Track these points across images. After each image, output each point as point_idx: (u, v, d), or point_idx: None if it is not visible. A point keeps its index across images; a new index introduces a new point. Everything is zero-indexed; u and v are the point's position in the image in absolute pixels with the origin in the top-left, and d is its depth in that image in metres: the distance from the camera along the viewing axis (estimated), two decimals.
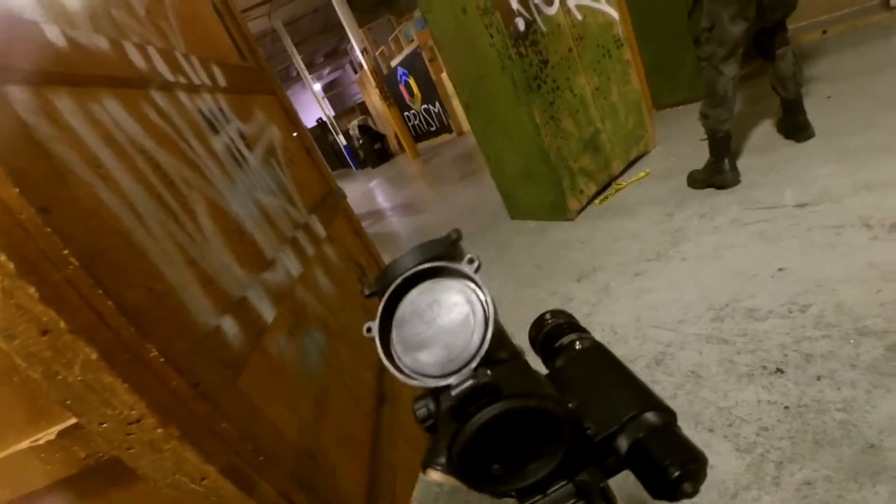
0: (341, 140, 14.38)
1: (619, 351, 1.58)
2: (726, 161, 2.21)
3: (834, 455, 1.02)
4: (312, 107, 17.34)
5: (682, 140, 3.17)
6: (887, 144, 1.95)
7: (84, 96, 0.69)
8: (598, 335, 1.65)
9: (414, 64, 9.81)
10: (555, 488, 0.28)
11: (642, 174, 2.94)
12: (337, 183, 1.75)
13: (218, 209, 0.90)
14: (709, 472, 0.94)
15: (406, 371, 0.27)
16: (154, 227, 0.71)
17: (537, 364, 0.35)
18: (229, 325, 0.73)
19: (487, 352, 0.26)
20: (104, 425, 0.58)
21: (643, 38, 3.91)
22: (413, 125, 11.28)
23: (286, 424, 0.77)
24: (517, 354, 0.33)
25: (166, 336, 0.61)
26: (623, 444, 0.28)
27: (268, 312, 0.85)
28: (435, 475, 0.31)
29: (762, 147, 2.50)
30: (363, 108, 15.20)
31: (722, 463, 1.10)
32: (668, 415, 0.29)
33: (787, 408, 1.15)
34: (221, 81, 1.16)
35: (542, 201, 2.94)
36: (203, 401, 0.62)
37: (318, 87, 17.20)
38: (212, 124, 1.04)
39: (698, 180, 2.39)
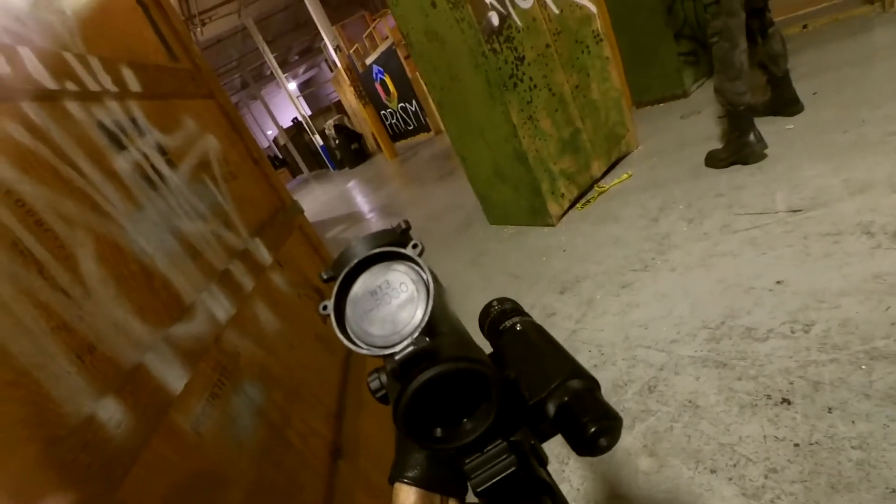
0: (317, 140, 14.01)
1: (608, 374, 1.45)
2: (752, 134, 2.11)
3: (852, 502, 0.90)
4: (288, 106, 16.88)
5: (664, 140, 3.06)
6: (879, 141, 1.86)
7: None
8: (585, 355, 1.48)
9: (389, 62, 9.57)
10: (491, 447, 0.30)
11: (625, 176, 2.82)
12: (291, 196, 1.57)
13: (113, 249, 0.72)
14: None
15: (358, 343, 0.28)
16: None
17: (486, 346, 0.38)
18: (109, 412, 0.55)
19: (429, 325, 0.28)
20: None
21: (620, 33, 3.79)
22: (390, 124, 11.04)
23: None
24: (458, 330, 0.35)
25: None
26: (551, 407, 0.31)
27: (176, 379, 0.67)
28: (404, 488, 0.32)
29: None
30: (339, 107, 14.85)
31: None
32: (591, 382, 0.32)
33: (797, 445, 1.02)
34: (134, 86, 0.97)
35: (521, 206, 2.80)
36: None
37: (293, 85, 16.77)
38: (116, 139, 0.86)
39: (721, 159, 2.27)
